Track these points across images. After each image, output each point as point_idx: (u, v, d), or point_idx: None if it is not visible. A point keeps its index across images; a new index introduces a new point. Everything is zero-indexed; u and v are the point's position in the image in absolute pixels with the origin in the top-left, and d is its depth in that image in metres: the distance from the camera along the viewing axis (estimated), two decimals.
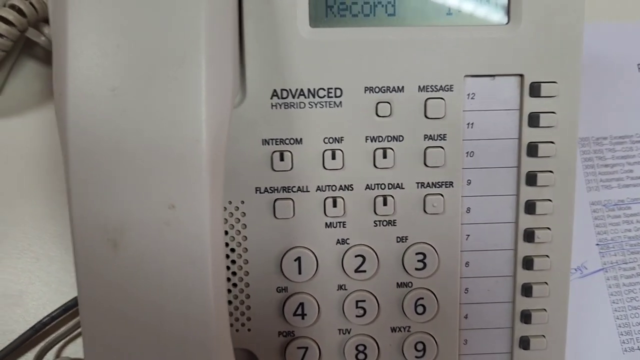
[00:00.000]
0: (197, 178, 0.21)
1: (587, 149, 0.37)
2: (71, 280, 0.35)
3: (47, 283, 0.35)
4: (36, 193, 0.36)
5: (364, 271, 0.27)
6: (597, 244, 0.36)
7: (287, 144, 0.26)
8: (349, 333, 0.28)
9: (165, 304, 0.21)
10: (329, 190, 0.27)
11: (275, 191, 0.26)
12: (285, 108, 0.26)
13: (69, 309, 0.33)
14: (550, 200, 0.27)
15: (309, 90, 0.26)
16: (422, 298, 0.27)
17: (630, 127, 0.37)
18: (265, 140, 0.26)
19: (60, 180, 0.36)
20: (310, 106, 0.26)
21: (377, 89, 0.26)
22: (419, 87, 0.26)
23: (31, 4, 0.33)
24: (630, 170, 0.37)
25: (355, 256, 0.27)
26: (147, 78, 0.21)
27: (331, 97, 0.26)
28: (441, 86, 0.26)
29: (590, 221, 0.36)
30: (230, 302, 0.27)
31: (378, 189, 0.27)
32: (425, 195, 0.27)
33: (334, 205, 0.27)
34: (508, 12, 0.26)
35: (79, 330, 0.33)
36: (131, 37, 0.21)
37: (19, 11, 0.33)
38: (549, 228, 0.27)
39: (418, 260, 0.27)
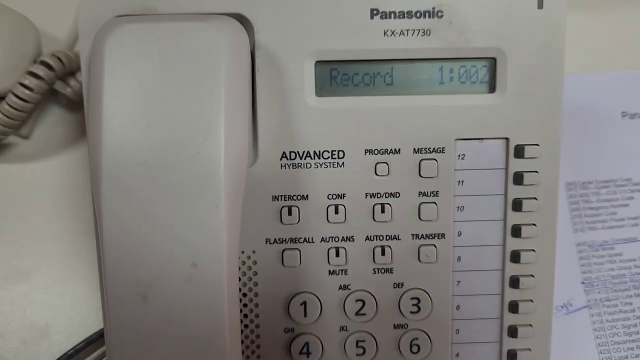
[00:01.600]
0: (216, 240, 0.24)
1: (573, 192, 0.39)
2: (94, 315, 0.37)
3: (72, 317, 0.37)
4: (62, 232, 0.38)
5: (364, 314, 0.30)
6: (582, 282, 0.38)
7: (295, 200, 0.29)
8: None
9: (188, 350, 0.24)
10: (332, 241, 0.29)
11: (284, 242, 0.29)
12: (293, 168, 0.29)
13: (92, 342, 0.36)
14: (533, 250, 0.30)
15: (314, 152, 0.29)
16: (417, 338, 0.30)
17: (614, 172, 0.39)
18: (275, 196, 0.29)
19: (84, 220, 0.38)
20: (316, 166, 0.29)
21: (376, 151, 0.29)
22: (414, 149, 0.29)
23: (59, 59, 0.36)
24: (614, 212, 0.39)
25: (356, 301, 0.30)
26: (174, 152, 0.24)
27: (335, 158, 0.29)
28: (434, 148, 0.29)
29: (576, 261, 0.39)
30: (242, 342, 0.30)
31: (377, 240, 0.29)
32: (420, 246, 0.30)
33: (337, 254, 0.29)
34: (494, 82, 0.29)
35: None
36: (160, 117, 0.24)
37: (48, 66, 0.36)
38: (532, 275, 0.30)
39: (413, 305, 0.30)
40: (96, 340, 0.36)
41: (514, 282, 0.30)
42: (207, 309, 0.24)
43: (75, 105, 0.40)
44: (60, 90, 0.38)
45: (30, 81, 0.35)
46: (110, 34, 0.24)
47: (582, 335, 0.38)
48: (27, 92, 0.35)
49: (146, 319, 0.24)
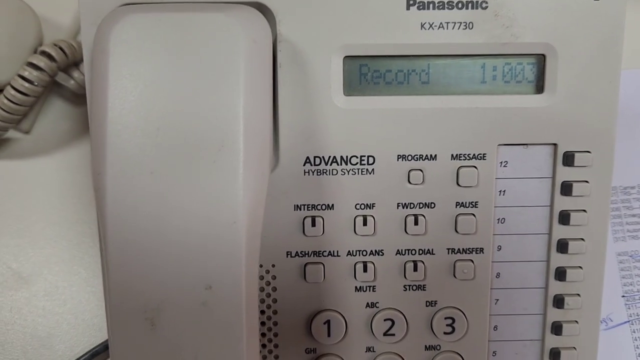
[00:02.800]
0: (234, 259, 0.21)
1: (614, 198, 0.37)
2: (99, 325, 0.35)
3: (75, 326, 0.35)
4: (65, 235, 0.36)
5: (393, 334, 0.27)
6: (623, 296, 0.36)
7: (319, 210, 0.26)
8: None
9: None
10: (359, 255, 0.27)
11: (306, 255, 0.27)
12: (317, 175, 0.26)
13: (97, 354, 0.34)
14: (580, 267, 0.27)
15: (341, 157, 0.26)
16: None
17: None
18: (297, 205, 0.26)
19: (88, 222, 0.36)
20: (343, 173, 0.26)
21: (409, 157, 0.26)
22: (452, 155, 0.26)
23: (61, 49, 0.34)
24: None
25: (385, 320, 0.27)
26: (186, 162, 0.21)
27: (364, 164, 0.26)
28: (474, 155, 0.26)
29: (617, 272, 0.36)
30: None
31: (408, 254, 0.27)
32: (456, 261, 0.27)
33: (365, 270, 0.27)
34: (543, 82, 0.26)
35: None
36: (171, 120, 0.21)
37: (49, 57, 0.33)
38: (578, 294, 0.27)
39: (447, 325, 0.27)
40: (101, 352, 0.34)
41: (559, 302, 0.27)
42: (223, 338, 0.21)
43: (79, 98, 0.38)
44: (63, 83, 0.35)
45: (30, 73, 0.33)
46: (114, 25, 0.22)
47: (623, 354, 0.35)
48: (26, 84, 0.33)
49: (155, 347, 0.21)
